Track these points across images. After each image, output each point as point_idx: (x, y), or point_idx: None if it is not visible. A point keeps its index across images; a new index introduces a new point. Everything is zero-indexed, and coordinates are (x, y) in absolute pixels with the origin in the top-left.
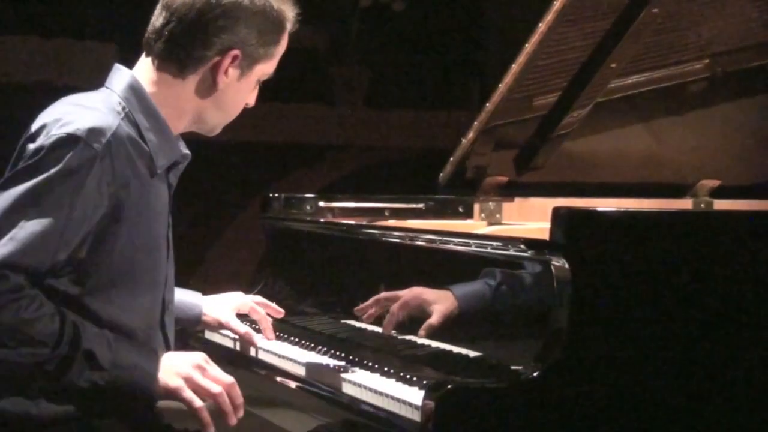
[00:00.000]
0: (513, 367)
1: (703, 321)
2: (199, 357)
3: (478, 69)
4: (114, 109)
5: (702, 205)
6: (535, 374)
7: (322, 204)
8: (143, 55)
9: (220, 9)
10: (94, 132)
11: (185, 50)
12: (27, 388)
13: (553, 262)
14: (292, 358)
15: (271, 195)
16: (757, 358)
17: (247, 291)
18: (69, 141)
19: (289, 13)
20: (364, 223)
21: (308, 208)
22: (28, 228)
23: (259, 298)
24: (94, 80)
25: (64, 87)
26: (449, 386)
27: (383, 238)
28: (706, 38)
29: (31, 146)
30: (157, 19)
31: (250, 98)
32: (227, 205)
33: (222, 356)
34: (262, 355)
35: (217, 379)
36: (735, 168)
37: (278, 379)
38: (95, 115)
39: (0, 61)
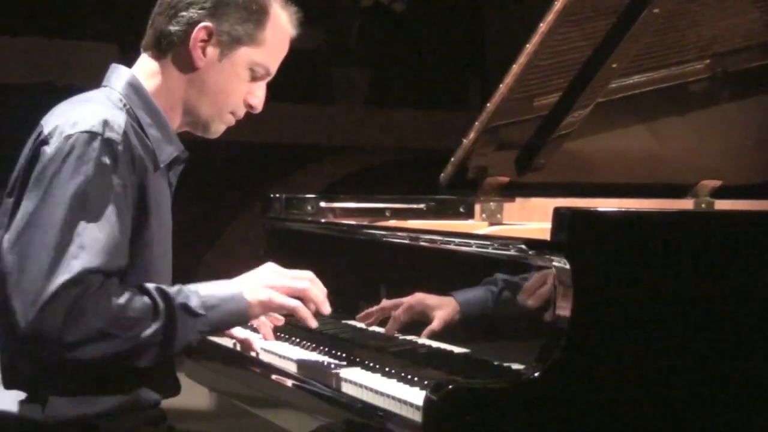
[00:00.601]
0: (514, 368)
1: (704, 321)
2: (270, 266)
3: (479, 69)
4: (116, 105)
5: (703, 206)
6: (536, 374)
7: (323, 204)
8: (142, 52)
9: None
10: (109, 124)
11: (161, 31)
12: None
13: (555, 263)
14: (293, 358)
15: (272, 195)
16: (760, 358)
17: None
18: (89, 138)
19: (275, 2)
20: (365, 223)
21: (309, 208)
22: (92, 232)
23: None
24: (96, 80)
25: (66, 87)
26: (450, 386)
27: (384, 239)
28: (707, 38)
29: (49, 149)
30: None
31: (252, 97)
32: (228, 206)
33: (222, 356)
34: (262, 356)
35: (298, 277)
36: (736, 168)
37: (279, 379)
38: (104, 109)
39: (1, 61)
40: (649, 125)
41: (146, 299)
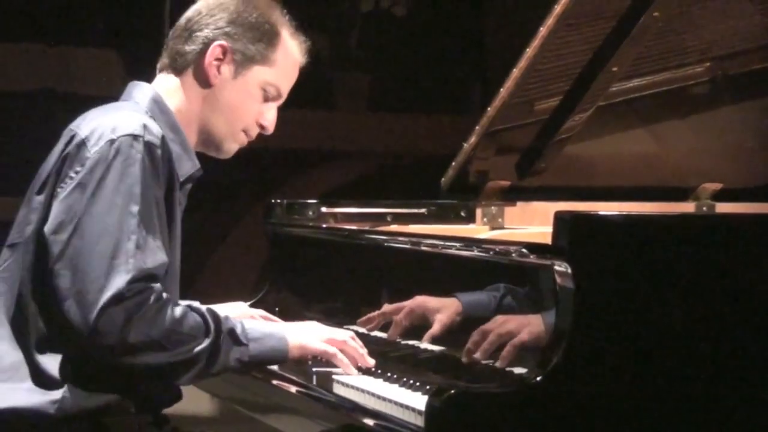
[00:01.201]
0: (516, 372)
1: (707, 325)
2: (313, 322)
3: (480, 74)
4: (147, 115)
5: (704, 208)
6: (538, 379)
7: (324, 209)
8: (158, 73)
9: (204, 10)
10: (148, 128)
11: (176, 51)
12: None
13: (556, 267)
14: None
15: (273, 201)
16: (763, 363)
17: (249, 297)
18: (132, 141)
19: (276, 21)
20: (367, 228)
21: (310, 213)
22: (145, 234)
23: (261, 312)
24: (97, 87)
25: (67, 94)
26: (453, 391)
27: (386, 244)
28: (708, 41)
29: (91, 153)
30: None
31: (263, 118)
32: (229, 212)
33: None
34: None
35: (337, 332)
36: (737, 171)
37: (281, 384)
38: (140, 115)
39: (2, 67)
40: (649, 128)
41: (198, 318)
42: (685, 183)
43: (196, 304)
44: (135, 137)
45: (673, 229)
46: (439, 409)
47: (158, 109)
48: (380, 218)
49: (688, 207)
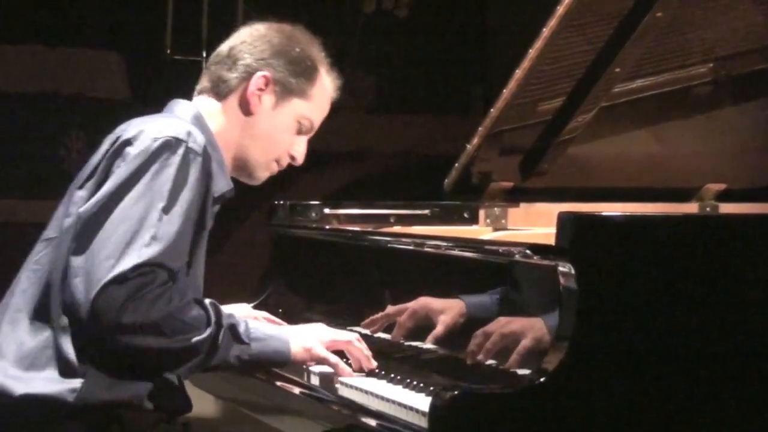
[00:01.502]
0: (520, 373)
1: (710, 325)
2: (319, 324)
3: (483, 75)
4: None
5: (707, 209)
6: (542, 380)
7: (327, 211)
8: (196, 96)
9: (248, 39)
10: (192, 136)
11: (219, 77)
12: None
13: (559, 268)
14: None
15: (276, 202)
16: (767, 363)
17: (252, 299)
18: (176, 143)
19: (316, 57)
20: (370, 229)
21: (313, 215)
22: (164, 228)
23: (264, 314)
24: (97, 89)
25: (67, 96)
26: (456, 392)
27: (389, 245)
28: (710, 42)
29: (134, 149)
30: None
31: (294, 148)
32: (232, 213)
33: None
34: None
35: (342, 333)
36: (740, 171)
37: (284, 385)
38: (187, 123)
39: (5, 69)
40: (652, 129)
41: (201, 311)
42: (689, 184)
43: (204, 299)
44: (178, 140)
45: (677, 229)
46: (443, 410)
47: (199, 125)
48: (383, 219)
49: (691, 208)
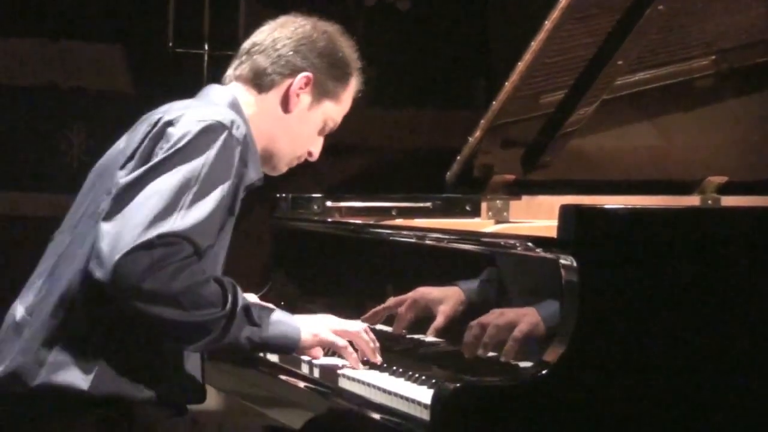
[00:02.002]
0: (521, 366)
1: (712, 319)
2: (328, 315)
3: (485, 67)
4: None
5: (709, 202)
6: (543, 372)
7: (329, 204)
8: (230, 82)
9: (295, 37)
10: (236, 124)
11: (261, 69)
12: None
13: (561, 260)
14: (301, 357)
15: (278, 195)
16: None
17: (255, 291)
18: (219, 128)
19: (353, 62)
20: (372, 222)
21: (315, 207)
22: (197, 205)
23: (270, 306)
24: (100, 82)
25: (70, 89)
26: (458, 385)
27: (391, 238)
28: (713, 34)
29: (176, 130)
30: (245, 46)
31: (314, 145)
32: None
33: (228, 354)
34: (269, 355)
35: (351, 324)
36: (742, 164)
37: (287, 378)
38: (230, 112)
39: (6, 62)
40: (654, 122)
41: (219, 288)
42: (691, 176)
43: (224, 278)
44: (222, 125)
45: (678, 222)
46: (445, 403)
47: (235, 112)
48: (385, 212)
49: (693, 200)
